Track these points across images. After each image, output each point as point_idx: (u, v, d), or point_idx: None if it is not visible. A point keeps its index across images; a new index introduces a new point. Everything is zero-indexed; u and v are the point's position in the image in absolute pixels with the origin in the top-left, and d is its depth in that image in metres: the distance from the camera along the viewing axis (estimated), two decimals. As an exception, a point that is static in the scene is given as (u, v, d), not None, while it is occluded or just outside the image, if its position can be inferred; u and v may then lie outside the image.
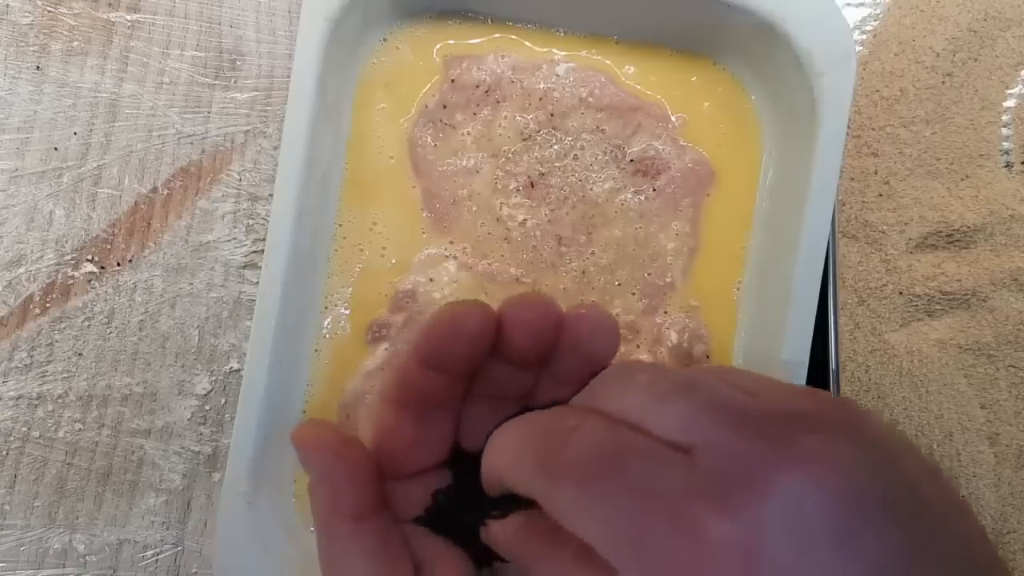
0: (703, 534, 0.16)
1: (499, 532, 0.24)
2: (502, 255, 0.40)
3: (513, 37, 0.41)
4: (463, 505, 0.27)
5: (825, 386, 0.41)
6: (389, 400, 0.27)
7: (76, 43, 0.42)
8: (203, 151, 0.42)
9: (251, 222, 0.42)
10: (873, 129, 0.45)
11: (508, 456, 0.22)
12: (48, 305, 0.41)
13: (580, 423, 0.20)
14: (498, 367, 0.26)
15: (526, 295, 0.25)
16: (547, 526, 0.21)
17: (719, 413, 0.18)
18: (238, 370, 0.41)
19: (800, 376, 0.37)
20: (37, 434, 0.40)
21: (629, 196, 0.41)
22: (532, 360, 0.26)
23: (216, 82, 0.42)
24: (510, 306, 0.25)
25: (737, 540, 0.16)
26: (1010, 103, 0.45)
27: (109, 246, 0.41)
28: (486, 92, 0.41)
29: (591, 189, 0.41)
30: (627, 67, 0.42)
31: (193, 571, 0.40)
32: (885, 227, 0.44)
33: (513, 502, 0.25)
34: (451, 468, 0.28)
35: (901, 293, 0.44)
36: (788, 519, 0.16)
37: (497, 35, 0.41)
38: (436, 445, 0.27)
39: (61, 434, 0.40)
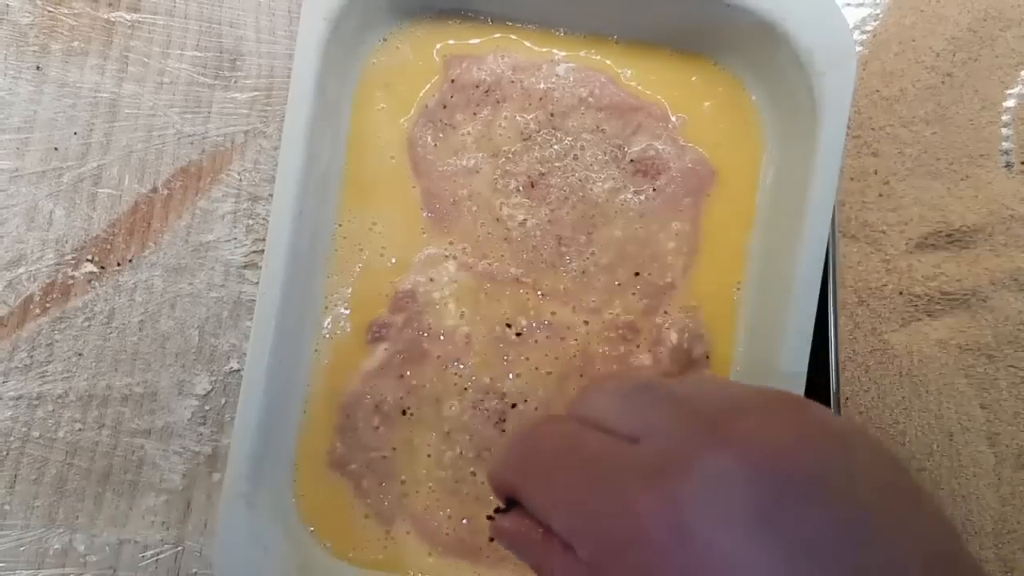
0: (637, 509, 0.18)
1: (501, 523, 0.26)
2: (502, 255, 0.40)
3: (513, 37, 0.41)
4: None
5: (825, 386, 0.41)
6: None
7: (76, 43, 0.42)
8: (203, 151, 0.42)
9: (251, 222, 0.42)
10: (873, 129, 0.45)
11: (499, 463, 0.24)
12: (48, 305, 0.41)
13: (552, 428, 0.22)
14: None
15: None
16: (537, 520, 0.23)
17: (666, 407, 0.20)
18: (238, 370, 0.41)
19: (800, 375, 0.37)
20: (37, 434, 0.40)
21: (629, 196, 0.41)
22: None
23: (216, 82, 0.42)
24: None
25: (665, 514, 0.18)
26: (1010, 103, 0.45)
27: (109, 246, 0.41)
28: (486, 92, 0.41)
29: (591, 189, 0.41)
30: (627, 67, 0.42)
31: (193, 571, 0.40)
32: (885, 227, 0.44)
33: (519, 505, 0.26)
34: None
35: (901, 293, 0.44)
36: (712, 495, 0.17)
37: (497, 35, 0.41)
38: None
39: (61, 434, 0.40)
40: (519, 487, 0.23)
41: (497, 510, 0.27)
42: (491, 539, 0.27)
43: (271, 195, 0.40)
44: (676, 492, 0.18)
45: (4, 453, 0.40)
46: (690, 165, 0.41)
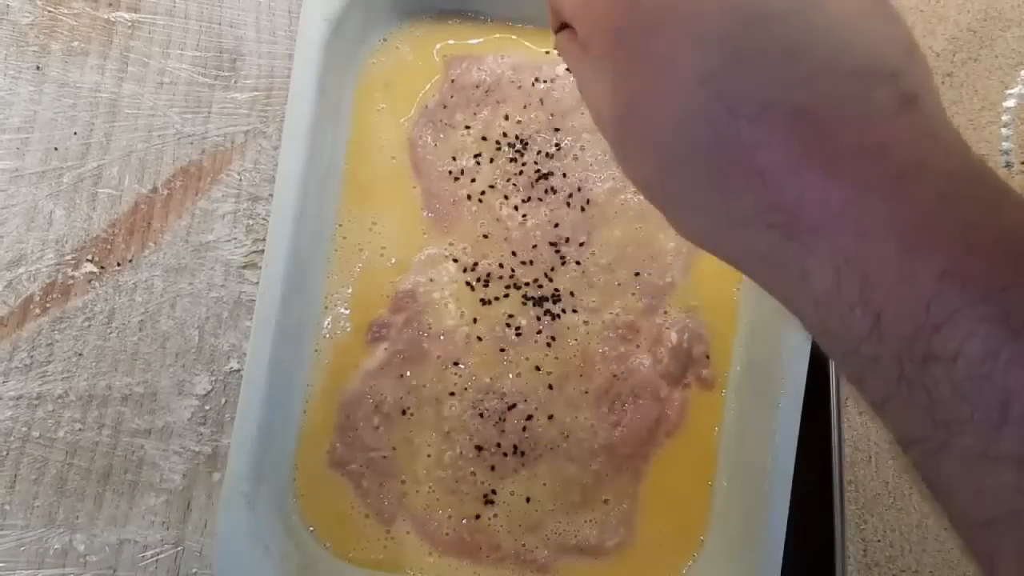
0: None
1: (558, 40, 0.27)
2: (502, 255, 0.40)
3: (513, 37, 0.41)
4: None
5: (826, 386, 0.41)
6: None
7: (76, 43, 0.42)
8: (203, 151, 0.42)
9: (251, 222, 0.42)
10: (873, 129, 0.45)
11: None
12: (48, 305, 0.41)
13: None
14: None
15: None
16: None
17: None
18: (238, 370, 0.41)
19: (800, 375, 0.37)
20: (37, 434, 0.40)
21: (629, 196, 0.41)
22: None
23: (216, 82, 0.42)
24: None
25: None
26: (1010, 103, 0.45)
27: (109, 246, 0.41)
28: (486, 92, 0.41)
29: (591, 189, 0.41)
30: (627, 67, 0.42)
31: (193, 571, 0.40)
32: (885, 227, 0.44)
33: None
34: None
35: (901, 293, 0.44)
36: (688, 8, 0.19)
37: (497, 35, 0.41)
38: None
39: (61, 434, 0.40)
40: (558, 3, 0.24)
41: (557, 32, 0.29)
42: None
43: (271, 195, 0.40)
44: None
45: (4, 453, 0.40)
46: (690, 165, 0.41)
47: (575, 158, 0.41)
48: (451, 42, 0.41)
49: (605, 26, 0.21)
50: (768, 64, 0.18)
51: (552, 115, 0.41)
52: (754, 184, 0.19)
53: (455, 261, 0.40)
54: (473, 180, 0.41)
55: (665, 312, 0.40)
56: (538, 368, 0.40)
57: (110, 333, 0.41)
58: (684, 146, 0.19)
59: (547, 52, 0.41)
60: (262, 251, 0.39)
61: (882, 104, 0.18)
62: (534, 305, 0.40)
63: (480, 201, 0.40)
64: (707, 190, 0.20)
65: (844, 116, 0.18)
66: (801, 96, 0.18)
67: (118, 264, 0.41)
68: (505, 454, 0.39)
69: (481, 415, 0.39)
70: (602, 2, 0.21)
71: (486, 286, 0.40)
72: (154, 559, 0.40)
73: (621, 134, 0.22)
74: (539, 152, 0.41)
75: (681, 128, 0.19)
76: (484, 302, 0.40)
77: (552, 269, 0.40)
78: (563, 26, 0.26)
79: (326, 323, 0.40)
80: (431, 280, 0.40)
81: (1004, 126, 0.44)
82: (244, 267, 0.42)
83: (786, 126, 0.18)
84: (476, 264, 0.40)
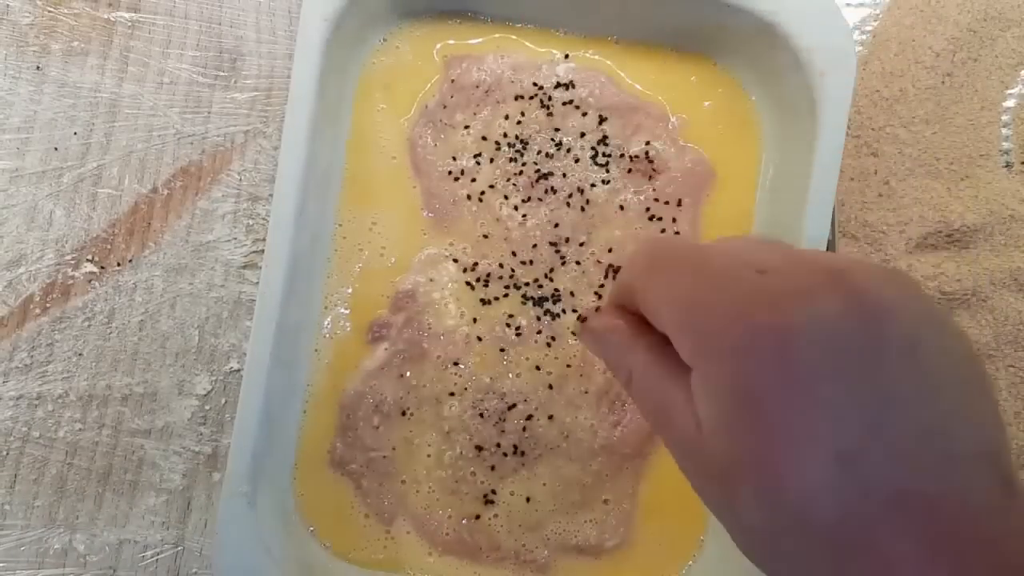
0: (753, 319, 0.20)
1: (593, 321, 0.27)
2: (502, 255, 0.40)
3: (513, 37, 0.41)
4: None
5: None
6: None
7: (76, 43, 0.42)
8: (203, 151, 0.42)
9: (251, 222, 0.42)
10: (873, 129, 0.45)
11: (631, 261, 0.26)
12: (48, 305, 0.41)
13: (683, 243, 0.24)
14: None
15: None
16: (632, 320, 0.26)
17: (789, 255, 0.22)
18: (238, 370, 0.41)
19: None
20: (37, 434, 0.40)
21: (629, 196, 0.41)
22: None
23: (216, 82, 0.42)
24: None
25: (778, 332, 0.20)
26: (1010, 103, 0.45)
27: (109, 246, 0.41)
28: (486, 92, 0.41)
29: (591, 189, 0.41)
30: (627, 67, 0.42)
31: (193, 571, 0.40)
32: (885, 227, 0.44)
33: None
34: None
35: (901, 293, 0.44)
36: (824, 327, 0.19)
37: (497, 35, 0.41)
38: None
39: (61, 434, 0.40)
40: (639, 285, 0.24)
41: (584, 318, 0.29)
42: (575, 333, 0.31)
43: (271, 195, 0.40)
44: (794, 316, 0.20)
45: (4, 453, 0.40)
46: (690, 165, 0.41)
47: (575, 159, 0.41)
48: (451, 42, 0.41)
49: (731, 359, 0.20)
50: (903, 448, 0.19)
51: (552, 115, 0.41)
52: (876, 569, 0.19)
53: (455, 261, 0.40)
54: (473, 180, 0.41)
55: (665, 312, 0.40)
56: (538, 368, 0.40)
57: (110, 333, 0.41)
58: (806, 516, 0.19)
59: (547, 52, 0.42)
60: (262, 251, 0.39)
61: (994, 493, 0.19)
62: (534, 305, 0.40)
63: (480, 201, 0.40)
64: (821, 562, 0.20)
65: (967, 507, 0.19)
66: (932, 485, 0.19)
67: (118, 264, 0.41)
68: (505, 454, 0.39)
69: (481, 415, 0.39)
70: (741, 329, 0.20)
71: (486, 286, 0.40)
72: (154, 559, 0.40)
73: (725, 483, 0.21)
74: (539, 152, 0.41)
75: (807, 499, 0.19)
76: (484, 302, 0.40)
77: (552, 269, 0.40)
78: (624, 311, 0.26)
79: (326, 323, 0.40)
80: (431, 280, 0.40)
81: (1004, 126, 0.44)
82: (244, 267, 0.42)
83: (919, 517, 0.18)
84: (476, 264, 0.40)
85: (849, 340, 0.19)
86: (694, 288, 0.22)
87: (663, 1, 0.39)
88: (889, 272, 0.21)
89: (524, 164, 0.41)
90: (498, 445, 0.39)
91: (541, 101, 0.41)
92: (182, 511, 0.40)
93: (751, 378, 0.20)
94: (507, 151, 0.41)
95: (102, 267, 0.41)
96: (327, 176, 0.39)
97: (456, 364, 0.40)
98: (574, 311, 0.40)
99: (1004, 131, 0.44)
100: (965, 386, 0.20)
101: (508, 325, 0.40)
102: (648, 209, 0.41)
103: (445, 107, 0.41)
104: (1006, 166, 0.44)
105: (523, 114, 0.41)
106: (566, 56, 0.41)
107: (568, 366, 0.40)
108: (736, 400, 0.20)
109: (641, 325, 0.25)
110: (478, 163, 0.41)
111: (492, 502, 0.39)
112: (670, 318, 0.22)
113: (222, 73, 0.43)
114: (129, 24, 0.42)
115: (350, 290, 0.40)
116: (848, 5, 0.45)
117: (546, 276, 0.40)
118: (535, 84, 0.41)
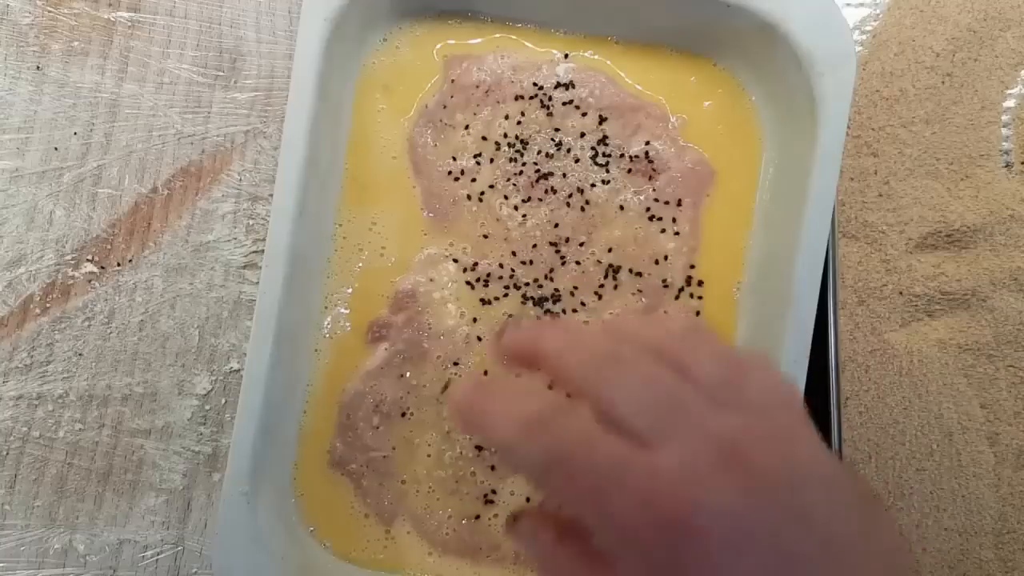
0: (656, 512, 0.21)
1: (519, 528, 0.27)
2: (502, 255, 0.40)
3: (513, 37, 0.41)
4: None
5: (825, 386, 0.41)
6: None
7: (76, 43, 0.42)
8: (203, 151, 0.42)
9: (251, 222, 0.42)
10: (873, 129, 0.45)
11: (521, 457, 0.25)
12: (48, 305, 0.41)
13: (570, 424, 0.23)
14: None
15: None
16: (559, 521, 0.26)
17: (690, 425, 0.22)
18: (238, 370, 0.41)
19: (800, 375, 0.37)
20: (37, 434, 0.40)
21: (629, 196, 0.41)
22: None
23: (216, 82, 0.42)
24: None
25: (678, 520, 0.21)
26: (1010, 103, 0.45)
27: (109, 246, 0.41)
28: (486, 92, 0.41)
29: (591, 189, 0.41)
30: (627, 67, 0.42)
31: (193, 571, 0.40)
32: (885, 227, 0.44)
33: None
34: None
35: (901, 293, 0.44)
36: (721, 515, 0.21)
37: (497, 35, 0.41)
38: None
39: (61, 434, 0.40)
40: (542, 481, 0.24)
41: (515, 517, 0.28)
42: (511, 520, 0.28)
43: (271, 195, 0.40)
44: (692, 508, 0.21)
45: (4, 453, 0.40)
46: (690, 165, 0.41)
47: (576, 159, 0.41)
48: (451, 42, 0.41)
49: (644, 554, 0.21)
50: None
51: (552, 115, 0.41)
52: None
53: (455, 261, 0.40)
54: (473, 180, 0.41)
55: (665, 312, 0.40)
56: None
57: (110, 333, 0.41)
58: None
59: (547, 52, 0.41)
60: (262, 251, 0.39)
61: None
62: (534, 305, 0.40)
63: (480, 201, 0.40)
64: None
65: None
66: None
67: (118, 264, 0.41)
68: (505, 454, 0.39)
69: (481, 415, 0.39)
70: (647, 525, 0.21)
71: (486, 286, 0.40)
72: (154, 559, 0.40)
73: None
74: (539, 152, 0.41)
75: None
76: (484, 302, 0.40)
77: (552, 269, 0.40)
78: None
79: (326, 323, 0.40)
80: (431, 280, 0.40)
81: (1004, 126, 0.44)
82: (244, 267, 0.42)
83: None
84: (476, 264, 0.40)
85: (750, 521, 0.21)
86: (595, 491, 0.22)
87: (663, 1, 0.39)
88: (784, 434, 0.23)
89: (524, 164, 0.41)
90: (498, 445, 0.39)
91: (541, 101, 0.41)
92: (182, 511, 0.40)
93: (666, 570, 0.21)
94: (507, 151, 0.41)
95: (102, 267, 0.41)
96: (327, 176, 0.39)
97: (456, 364, 0.40)
98: (574, 311, 0.40)
99: (1004, 131, 0.44)
100: (863, 539, 0.22)
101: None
102: (648, 209, 0.41)
103: (445, 107, 0.41)
104: (1006, 166, 0.44)
105: (523, 114, 0.41)
106: (566, 56, 0.41)
107: (568, 366, 0.40)
108: None
109: (568, 526, 0.25)
110: (478, 163, 0.41)
111: (492, 502, 0.39)
112: (588, 520, 0.23)
113: (222, 73, 0.43)
114: (129, 24, 0.43)
115: (350, 290, 0.40)
116: (848, 5, 0.45)
117: (546, 276, 0.40)
118: (535, 84, 0.41)
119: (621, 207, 0.41)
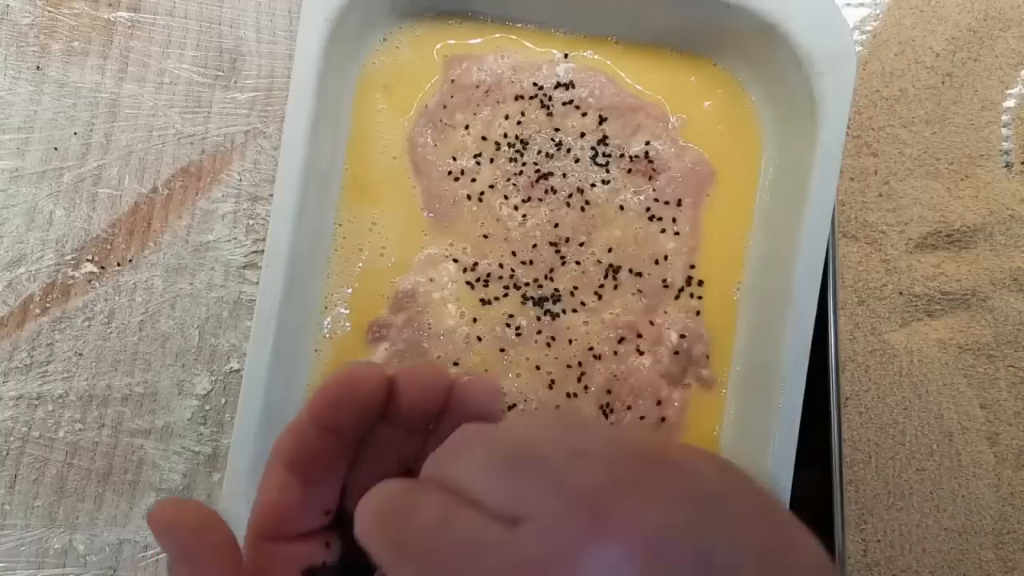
0: None
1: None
2: (502, 255, 0.40)
3: (513, 37, 0.41)
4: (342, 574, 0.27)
5: (825, 386, 0.41)
6: (279, 460, 0.26)
7: (76, 43, 0.42)
8: (203, 151, 0.42)
9: (251, 222, 0.42)
10: (873, 129, 0.45)
11: (368, 525, 0.22)
12: (48, 305, 0.41)
13: (419, 499, 0.21)
14: (388, 431, 0.27)
15: (418, 365, 0.25)
16: None
17: (545, 486, 0.19)
18: (238, 370, 0.41)
19: (800, 375, 0.37)
20: (37, 434, 0.40)
21: (629, 196, 0.41)
22: (419, 422, 0.27)
23: (216, 82, 0.42)
24: (402, 371, 0.27)
25: None
26: (1010, 103, 0.45)
27: (109, 246, 0.41)
28: (486, 92, 0.41)
29: (591, 189, 0.41)
30: (627, 67, 0.42)
31: (193, 571, 0.40)
32: (885, 227, 0.44)
33: None
34: (336, 531, 0.28)
35: (901, 293, 0.44)
36: None
37: (497, 35, 0.41)
38: (321, 507, 0.27)
39: (61, 434, 0.40)
40: (389, 567, 0.21)
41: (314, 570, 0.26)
42: None
43: (271, 195, 0.40)
44: None
45: (4, 453, 0.40)
46: (690, 165, 0.41)
47: (576, 159, 0.41)
48: (451, 42, 0.41)
49: None
50: None
51: (552, 115, 0.41)
52: None
53: (455, 261, 0.40)
54: (473, 180, 0.41)
55: (665, 312, 0.40)
56: (538, 368, 0.40)
57: (110, 333, 0.41)
58: None
59: (547, 52, 0.42)
60: (262, 251, 0.39)
61: None
62: (534, 305, 0.40)
63: (480, 201, 0.40)
64: None
65: None
66: None
67: (118, 264, 0.41)
68: (505, 454, 0.39)
69: (481, 415, 0.39)
70: None
71: (486, 286, 0.40)
72: (154, 559, 0.40)
73: None
74: (539, 152, 0.41)
75: None
76: (484, 302, 0.40)
77: (552, 269, 0.40)
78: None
79: (326, 323, 0.40)
80: (431, 280, 0.40)
81: (1004, 126, 0.45)
82: (244, 267, 0.42)
83: None
84: (476, 264, 0.40)
85: None
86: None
87: (663, 1, 0.39)
88: (653, 477, 0.19)
89: (524, 164, 0.41)
90: (498, 445, 0.39)
91: (541, 101, 0.41)
92: (182, 511, 0.40)
93: None
94: (507, 151, 0.41)
95: (102, 267, 0.41)
96: (327, 176, 0.39)
97: (456, 364, 0.40)
98: (574, 311, 0.40)
99: (1004, 131, 0.44)
100: (771, 555, 0.19)
101: (508, 325, 0.40)
102: (648, 209, 0.41)
103: (445, 107, 0.41)
104: (1006, 166, 0.44)
105: (523, 114, 0.41)
106: (566, 56, 0.41)
107: (568, 366, 0.40)
108: None
109: None
110: (478, 163, 0.41)
111: (492, 502, 0.39)
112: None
113: (222, 73, 0.43)
114: (129, 24, 0.43)
115: (350, 290, 0.40)
116: (848, 5, 0.45)
117: (546, 276, 0.40)
118: (535, 84, 0.41)
119: (621, 207, 0.41)
